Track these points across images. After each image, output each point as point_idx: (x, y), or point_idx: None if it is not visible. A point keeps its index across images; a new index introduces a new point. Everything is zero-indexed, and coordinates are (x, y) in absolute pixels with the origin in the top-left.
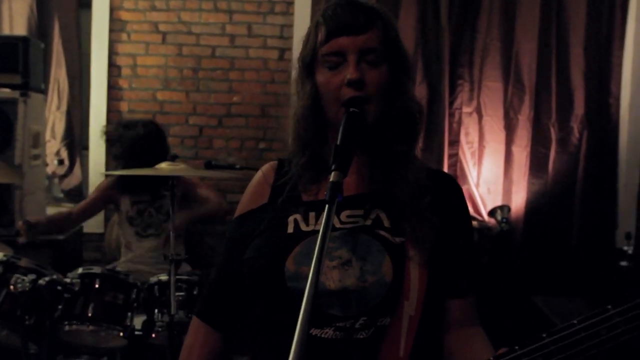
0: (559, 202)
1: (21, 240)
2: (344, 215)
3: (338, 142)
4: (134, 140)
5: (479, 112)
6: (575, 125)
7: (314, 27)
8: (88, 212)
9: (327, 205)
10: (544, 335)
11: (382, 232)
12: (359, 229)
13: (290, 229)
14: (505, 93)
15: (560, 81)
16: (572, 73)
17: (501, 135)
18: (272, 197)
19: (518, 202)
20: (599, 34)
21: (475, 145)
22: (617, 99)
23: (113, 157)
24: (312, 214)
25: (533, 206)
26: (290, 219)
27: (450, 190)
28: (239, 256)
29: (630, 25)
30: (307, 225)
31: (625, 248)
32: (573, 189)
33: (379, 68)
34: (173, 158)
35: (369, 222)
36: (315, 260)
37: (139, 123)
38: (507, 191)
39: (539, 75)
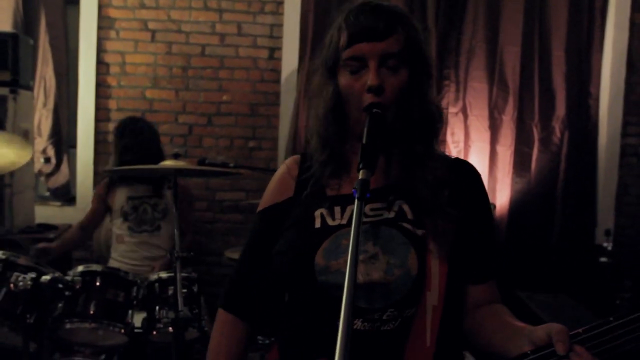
0: (541, 200)
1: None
2: (368, 208)
3: (364, 142)
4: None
5: (464, 112)
6: (557, 126)
7: (336, 30)
8: (95, 221)
9: (356, 202)
10: (611, 318)
11: (406, 225)
12: (383, 222)
13: (317, 224)
14: (490, 94)
15: (543, 83)
16: (554, 75)
17: (486, 135)
18: (297, 191)
19: (502, 200)
20: (580, 38)
21: (461, 144)
22: (597, 100)
23: (122, 150)
24: (337, 209)
25: (517, 204)
26: (317, 213)
27: (469, 179)
28: (264, 248)
29: (609, 29)
30: (333, 219)
31: (605, 244)
32: (554, 188)
33: (399, 73)
34: (176, 156)
35: (392, 215)
36: (351, 256)
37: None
38: (492, 189)
39: (523, 77)
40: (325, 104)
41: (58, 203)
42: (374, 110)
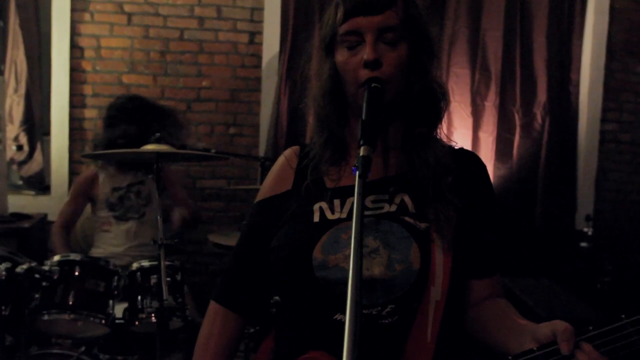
0: (522, 186)
1: None
2: (368, 200)
3: (363, 117)
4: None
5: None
6: (538, 112)
7: (334, 6)
8: (77, 217)
9: (357, 180)
10: (623, 316)
11: (408, 219)
12: (384, 215)
13: (316, 218)
14: (472, 79)
15: (524, 68)
16: (535, 61)
17: (468, 121)
18: (296, 182)
19: None
20: (561, 24)
21: (444, 130)
22: (577, 87)
23: (118, 134)
24: (336, 202)
25: (499, 190)
26: (316, 207)
27: (473, 169)
28: (260, 241)
29: (589, 16)
30: (333, 213)
31: (585, 230)
32: (536, 173)
33: (398, 47)
34: (159, 140)
35: (394, 208)
36: (355, 242)
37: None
38: None
39: (504, 63)
40: (323, 83)
41: (32, 192)
42: (373, 84)
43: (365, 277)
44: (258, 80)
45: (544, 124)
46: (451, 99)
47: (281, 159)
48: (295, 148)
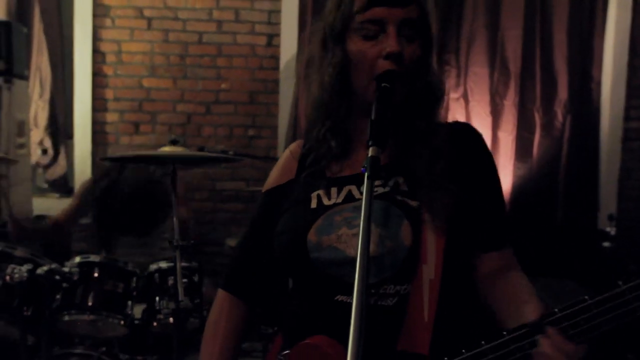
0: (543, 186)
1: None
2: (363, 186)
3: (373, 117)
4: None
5: (465, 97)
6: (559, 110)
7: None
8: (73, 218)
9: (366, 181)
10: (586, 297)
11: (399, 197)
12: (378, 196)
13: (313, 204)
14: (491, 79)
15: (544, 67)
16: (556, 59)
17: (487, 121)
18: (299, 171)
19: (505, 185)
20: (581, 21)
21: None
22: (599, 84)
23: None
24: (334, 189)
25: (519, 190)
26: (314, 194)
27: (469, 144)
28: (265, 230)
29: (611, 11)
30: (329, 199)
31: (608, 229)
32: (557, 173)
33: (414, 43)
34: (174, 142)
35: (387, 189)
36: (362, 239)
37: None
38: None
39: (524, 61)
40: (331, 72)
41: (56, 194)
42: (383, 85)
43: (356, 256)
44: (276, 82)
45: (565, 123)
46: (470, 98)
47: (286, 152)
48: (300, 141)
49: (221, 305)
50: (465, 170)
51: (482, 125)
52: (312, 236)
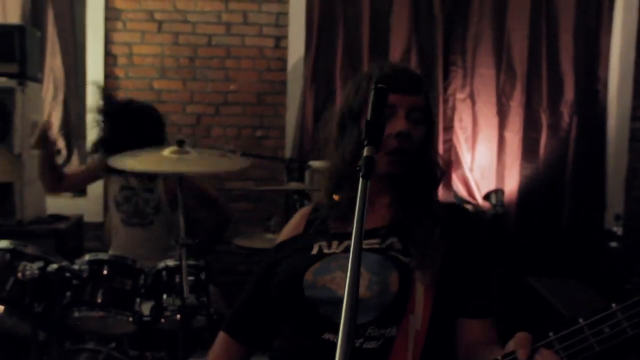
0: (550, 186)
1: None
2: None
3: (368, 118)
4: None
5: (472, 98)
6: (565, 111)
7: (365, 79)
8: (77, 183)
9: (361, 180)
10: (580, 320)
11: (393, 253)
12: (372, 250)
13: (314, 251)
14: (497, 79)
15: (551, 68)
16: (562, 60)
17: (494, 121)
18: (306, 229)
19: (511, 186)
20: (588, 22)
21: (469, 131)
22: (605, 85)
23: (103, 138)
24: (335, 242)
25: (525, 190)
26: (316, 244)
27: (461, 220)
28: (270, 278)
29: (617, 12)
30: (329, 249)
31: (615, 229)
32: (563, 173)
33: (420, 127)
34: (180, 143)
35: (383, 246)
36: (354, 250)
37: (131, 103)
38: (501, 175)
39: (530, 62)
40: (350, 149)
41: (69, 194)
42: (379, 85)
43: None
44: (284, 83)
45: (572, 123)
46: (476, 99)
47: (298, 213)
48: (310, 206)
49: (220, 347)
50: (457, 242)
51: (489, 125)
52: (308, 276)
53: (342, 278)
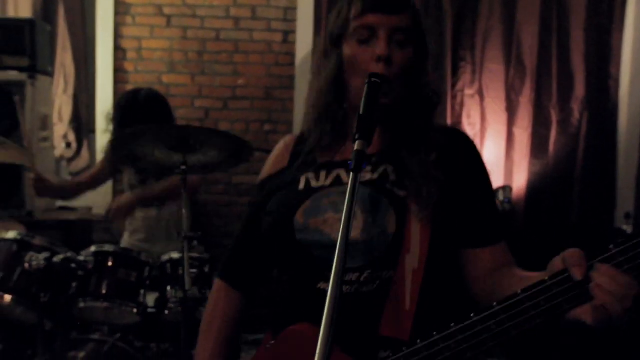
0: (559, 183)
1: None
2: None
3: (361, 112)
4: (129, 106)
5: (480, 94)
6: (576, 107)
7: (347, 2)
8: (97, 180)
9: (351, 175)
10: (495, 304)
11: (388, 186)
12: (366, 183)
13: (301, 186)
14: (506, 75)
15: (561, 63)
16: (573, 55)
17: (503, 117)
18: (291, 161)
19: (520, 182)
20: (599, 17)
21: (478, 127)
22: (617, 81)
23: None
24: (323, 172)
25: (534, 187)
26: (303, 177)
27: (459, 144)
28: (259, 218)
29: (630, 7)
30: (318, 181)
31: (625, 227)
32: (573, 170)
33: (406, 49)
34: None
35: (376, 176)
36: (343, 229)
37: (140, 91)
38: (509, 172)
39: (540, 58)
40: (328, 74)
41: None
42: (373, 79)
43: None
44: (291, 78)
45: (582, 120)
46: (485, 94)
47: (280, 144)
48: (294, 134)
49: (218, 294)
50: (455, 168)
51: (498, 121)
52: (299, 217)
53: (334, 219)
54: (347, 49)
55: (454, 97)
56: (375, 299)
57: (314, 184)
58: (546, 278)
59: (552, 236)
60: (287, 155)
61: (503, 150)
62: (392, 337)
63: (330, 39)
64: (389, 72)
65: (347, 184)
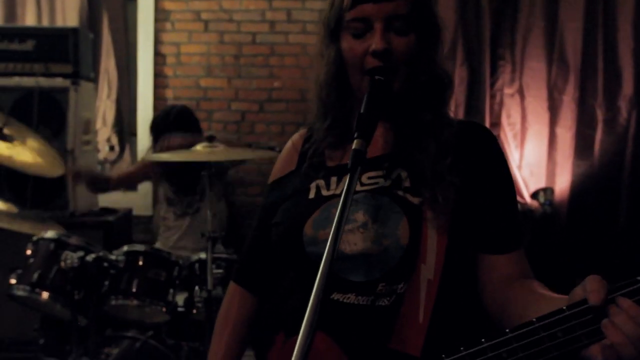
0: (605, 185)
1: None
2: (365, 177)
3: (362, 110)
4: (162, 120)
5: (521, 93)
6: (623, 105)
7: None
8: (125, 183)
9: (349, 173)
10: (507, 330)
11: (401, 193)
12: (377, 190)
13: (311, 195)
14: (548, 73)
15: (607, 60)
16: (620, 51)
17: (545, 117)
18: (299, 164)
19: (562, 184)
20: None
21: (518, 127)
22: None
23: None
24: (333, 179)
25: (578, 188)
26: (313, 184)
27: (480, 143)
28: (269, 222)
29: None
30: (328, 190)
31: None
32: (621, 171)
33: (407, 36)
34: (210, 139)
35: (388, 183)
36: (335, 228)
37: (166, 108)
38: (551, 173)
39: (585, 54)
40: (327, 69)
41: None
42: (377, 77)
43: (354, 253)
44: None
45: (630, 118)
46: (526, 93)
47: (288, 143)
48: (303, 132)
49: (231, 298)
50: (473, 169)
51: (539, 121)
52: (308, 229)
53: (345, 231)
54: (344, 44)
55: (492, 97)
56: (388, 312)
57: (324, 192)
58: (564, 307)
59: (597, 242)
60: (295, 156)
61: (545, 151)
62: (402, 351)
63: (326, 34)
64: (387, 64)
65: (358, 191)
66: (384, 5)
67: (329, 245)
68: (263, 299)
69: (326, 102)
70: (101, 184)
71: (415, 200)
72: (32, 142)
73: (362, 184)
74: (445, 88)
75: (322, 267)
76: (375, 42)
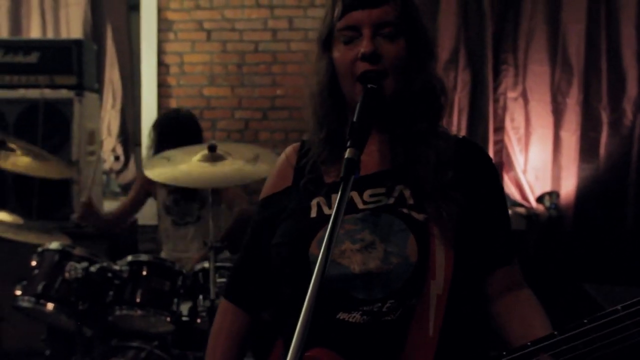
0: (611, 188)
1: (75, 218)
2: (366, 195)
3: (354, 119)
4: (163, 123)
5: (524, 97)
6: (628, 107)
7: (331, 3)
8: (131, 209)
9: (341, 183)
10: (585, 321)
11: (405, 210)
12: (381, 208)
13: (313, 214)
14: (552, 76)
15: (611, 62)
16: (624, 53)
17: (549, 120)
18: (295, 179)
19: (568, 188)
20: None
21: (522, 131)
22: None
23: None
24: (334, 196)
25: (584, 192)
26: (313, 202)
27: (476, 160)
28: (263, 239)
29: None
30: (330, 208)
31: None
32: (626, 174)
33: (396, 42)
34: (212, 148)
35: (392, 201)
36: (326, 240)
37: (172, 111)
38: (556, 177)
39: (588, 57)
40: (320, 80)
41: (125, 197)
42: (369, 85)
43: (362, 272)
44: None
45: (635, 120)
46: (529, 97)
47: (282, 157)
48: (296, 145)
49: (224, 314)
50: (473, 186)
51: (543, 124)
52: (314, 249)
53: (352, 250)
54: (336, 53)
55: (496, 101)
56: (398, 327)
57: (326, 210)
58: (504, 352)
59: (603, 246)
60: (290, 171)
61: (549, 155)
62: None
63: (320, 42)
64: (378, 68)
65: (361, 210)
66: (372, 12)
67: (321, 257)
68: (255, 315)
69: (320, 113)
70: (108, 227)
71: (421, 217)
72: (34, 150)
73: (364, 202)
74: (438, 96)
75: (313, 283)
76: (364, 45)
